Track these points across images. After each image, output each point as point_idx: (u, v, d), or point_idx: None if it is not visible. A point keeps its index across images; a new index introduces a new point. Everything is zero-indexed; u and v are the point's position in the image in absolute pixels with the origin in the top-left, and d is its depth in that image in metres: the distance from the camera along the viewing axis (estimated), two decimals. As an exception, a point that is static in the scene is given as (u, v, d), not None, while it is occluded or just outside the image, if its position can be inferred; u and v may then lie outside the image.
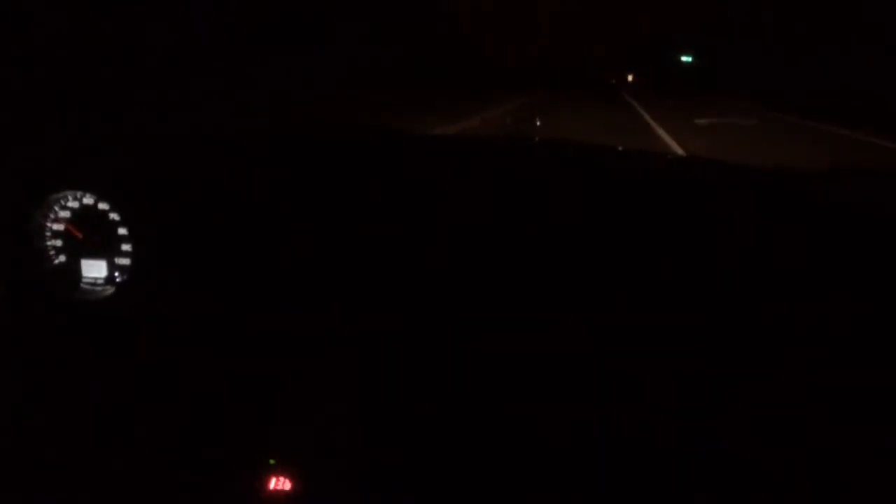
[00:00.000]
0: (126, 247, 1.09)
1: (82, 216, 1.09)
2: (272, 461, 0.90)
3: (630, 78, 58.49)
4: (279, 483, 0.90)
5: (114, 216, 1.09)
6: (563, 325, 1.02)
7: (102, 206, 1.08)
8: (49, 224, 1.09)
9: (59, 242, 1.10)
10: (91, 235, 1.10)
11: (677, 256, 1.02)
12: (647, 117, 15.18)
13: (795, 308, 0.96)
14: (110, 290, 1.10)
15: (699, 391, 0.95)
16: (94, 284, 1.11)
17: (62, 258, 1.11)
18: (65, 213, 1.09)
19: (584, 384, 0.98)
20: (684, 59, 54.90)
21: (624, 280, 1.02)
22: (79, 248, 1.10)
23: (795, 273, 0.98)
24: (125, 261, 1.10)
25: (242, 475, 0.91)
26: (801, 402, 0.92)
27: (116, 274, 1.11)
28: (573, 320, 1.02)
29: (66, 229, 1.10)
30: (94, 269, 1.11)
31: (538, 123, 1.97)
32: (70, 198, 1.08)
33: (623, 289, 1.02)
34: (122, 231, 1.09)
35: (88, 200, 1.08)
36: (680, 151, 8.96)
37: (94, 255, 1.10)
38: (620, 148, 1.65)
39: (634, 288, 1.02)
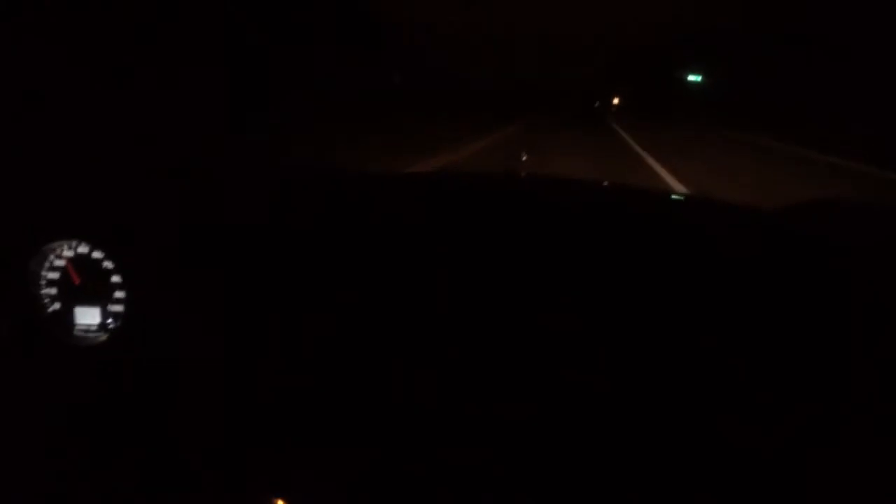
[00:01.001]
0: (119, 294, 1.11)
1: (77, 264, 1.11)
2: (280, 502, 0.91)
3: (616, 101, 51.91)
4: None
5: (108, 264, 1.11)
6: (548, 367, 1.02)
7: (97, 254, 1.11)
8: (44, 272, 1.11)
9: (53, 290, 1.12)
10: (85, 283, 1.12)
11: (674, 300, 1.02)
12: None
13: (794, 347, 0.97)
14: (103, 336, 1.12)
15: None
16: (88, 331, 1.13)
17: (56, 305, 1.13)
18: (60, 262, 1.11)
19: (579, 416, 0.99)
20: (692, 77, 46.04)
21: (612, 328, 1.02)
22: (73, 296, 1.12)
23: (796, 314, 0.99)
24: (118, 308, 1.12)
25: None
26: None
27: (109, 321, 1.12)
28: (559, 362, 1.02)
29: (60, 277, 1.12)
30: (88, 316, 1.13)
31: (524, 158, 1.99)
32: (66, 246, 1.11)
33: (612, 336, 1.02)
34: (115, 279, 1.11)
35: (83, 249, 1.11)
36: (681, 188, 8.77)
37: (87, 302, 1.12)
38: (608, 183, 1.69)
39: (625, 335, 1.02)
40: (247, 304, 1.09)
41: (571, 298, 1.04)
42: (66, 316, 1.13)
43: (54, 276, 1.12)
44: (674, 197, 1.68)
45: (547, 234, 1.11)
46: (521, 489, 0.92)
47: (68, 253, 1.11)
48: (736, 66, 35.43)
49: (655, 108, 41.33)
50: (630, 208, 1.35)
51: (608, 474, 0.92)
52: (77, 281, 1.12)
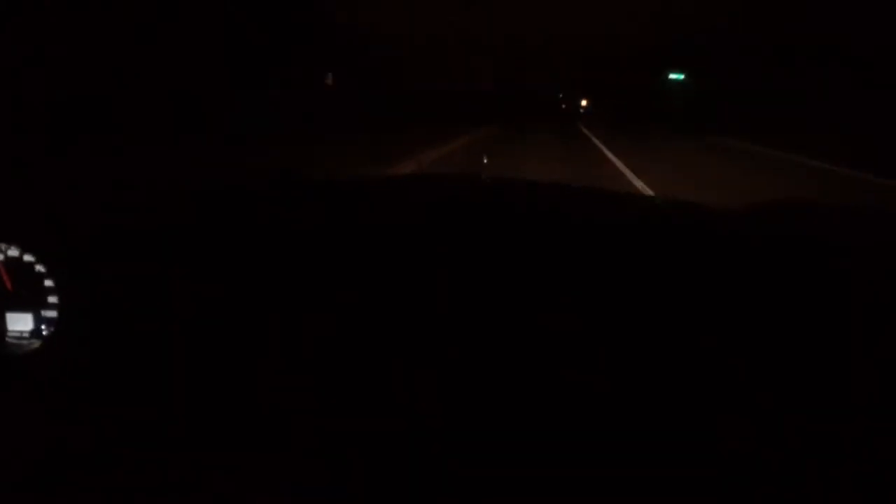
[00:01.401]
0: (53, 299, 1.08)
1: (7, 268, 1.08)
2: None
3: (584, 103, 47.44)
4: None
5: (40, 268, 1.07)
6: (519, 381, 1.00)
7: (28, 258, 1.07)
8: None
9: None
10: (17, 288, 1.08)
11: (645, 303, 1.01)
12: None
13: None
14: (36, 343, 1.08)
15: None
16: (20, 338, 1.09)
17: None
18: None
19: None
20: (673, 76, 43.53)
21: (586, 331, 1.01)
22: (4, 301, 1.08)
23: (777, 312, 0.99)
24: (52, 313, 1.08)
25: None
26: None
27: (43, 327, 1.09)
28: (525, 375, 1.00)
29: None
30: (21, 323, 1.09)
31: (485, 161, 2.00)
32: None
33: (585, 342, 1.00)
34: (48, 283, 1.07)
35: (13, 252, 1.07)
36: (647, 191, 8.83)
37: (19, 307, 1.08)
38: (574, 186, 1.70)
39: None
40: (181, 309, 1.06)
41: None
42: None
43: None
44: (661, 201, 1.70)
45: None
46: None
47: None
48: (721, 66, 32.00)
49: (634, 112, 36.76)
50: (624, 209, 1.36)
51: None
52: (10, 286, 1.08)
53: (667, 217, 1.34)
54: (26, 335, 1.09)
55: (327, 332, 1.04)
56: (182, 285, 1.06)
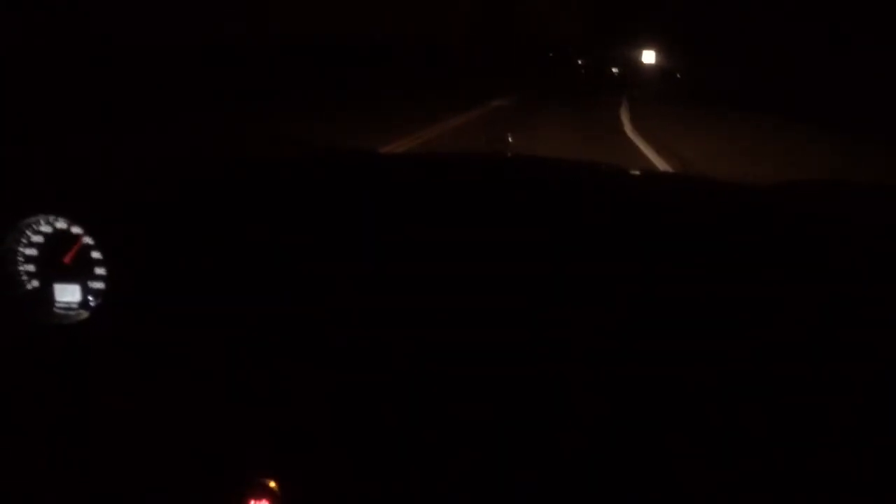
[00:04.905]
0: (100, 270, 1.09)
1: (56, 240, 1.09)
2: (272, 483, 0.90)
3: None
4: None
5: (88, 240, 1.08)
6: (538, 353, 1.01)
7: (76, 230, 1.08)
8: (21, 249, 1.09)
9: (31, 267, 1.10)
10: (65, 259, 1.09)
11: (660, 279, 1.02)
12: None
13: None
14: (84, 314, 1.10)
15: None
16: (68, 309, 1.10)
17: (35, 283, 1.10)
18: (37, 238, 1.09)
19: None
20: None
21: (600, 304, 1.02)
22: (52, 273, 1.10)
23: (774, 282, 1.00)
24: (99, 284, 1.10)
25: (220, 497, 0.91)
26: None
27: (90, 298, 1.10)
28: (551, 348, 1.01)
29: (38, 254, 1.09)
30: (68, 294, 1.10)
31: (510, 140, 2.00)
32: (42, 222, 1.08)
33: (600, 314, 1.01)
34: (95, 255, 1.09)
35: (62, 224, 1.08)
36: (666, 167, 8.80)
37: (67, 279, 1.10)
38: (602, 165, 1.69)
39: (613, 313, 1.01)
40: (238, 280, 1.07)
41: (572, 291, 1.03)
42: (46, 293, 1.10)
43: (32, 252, 1.09)
44: (672, 177, 1.70)
45: (572, 214, 1.10)
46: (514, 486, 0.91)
47: (46, 229, 1.08)
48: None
49: None
50: (650, 187, 1.35)
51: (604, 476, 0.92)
52: (58, 260, 1.09)
53: (695, 196, 1.33)
54: (74, 306, 1.10)
55: (323, 311, 1.05)
56: (226, 257, 1.07)
